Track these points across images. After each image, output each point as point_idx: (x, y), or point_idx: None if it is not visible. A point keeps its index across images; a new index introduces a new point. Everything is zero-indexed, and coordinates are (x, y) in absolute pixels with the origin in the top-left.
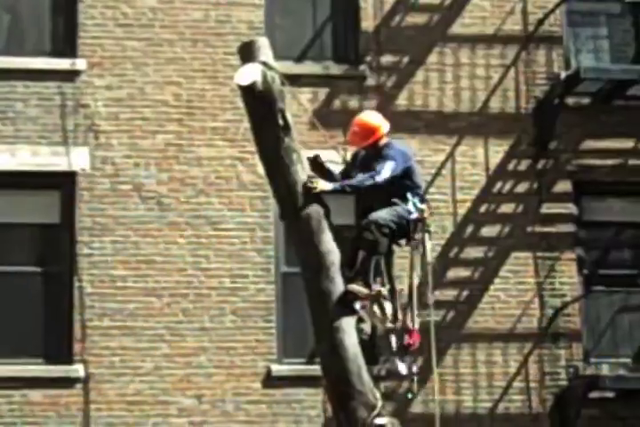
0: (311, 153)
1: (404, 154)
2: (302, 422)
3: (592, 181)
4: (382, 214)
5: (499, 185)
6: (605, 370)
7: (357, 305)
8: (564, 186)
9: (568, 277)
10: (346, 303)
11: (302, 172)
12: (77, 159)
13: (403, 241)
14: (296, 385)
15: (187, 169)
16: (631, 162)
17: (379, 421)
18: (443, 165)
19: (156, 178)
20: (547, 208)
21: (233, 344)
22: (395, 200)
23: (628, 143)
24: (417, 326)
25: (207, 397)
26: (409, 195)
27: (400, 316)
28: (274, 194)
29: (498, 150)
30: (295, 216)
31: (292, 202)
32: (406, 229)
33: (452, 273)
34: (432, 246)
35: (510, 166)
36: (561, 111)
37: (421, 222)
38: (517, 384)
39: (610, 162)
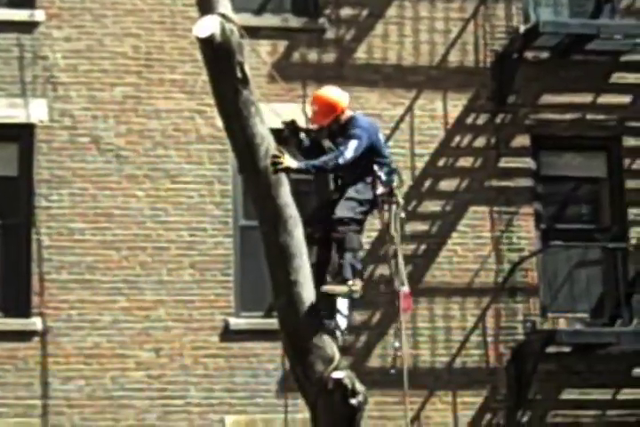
0: (288, 118)
1: (369, 129)
2: (260, 376)
3: (550, 136)
4: (342, 211)
5: (457, 139)
6: (562, 325)
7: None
8: (522, 140)
9: (526, 231)
10: (325, 303)
11: (261, 125)
12: (35, 111)
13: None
14: (254, 339)
15: (145, 122)
16: (589, 116)
17: (336, 374)
18: (401, 118)
19: (115, 130)
20: (505, 162)
21: (191, 298)
22: (361, 174)
23: (587, 98)
24: (407, 288)
25: (165, 350)
26: (375, 168)
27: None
28: (232, 147)
29: (456, 104)
30: (253, 169)
31: (250, 155)
32: (373, 207)
33: (410, 227)
34: (401, 218)
35: (469, 120)
36: (520, 65)
37: (390, 195)
38: (474, 338)
39: (568, 116)
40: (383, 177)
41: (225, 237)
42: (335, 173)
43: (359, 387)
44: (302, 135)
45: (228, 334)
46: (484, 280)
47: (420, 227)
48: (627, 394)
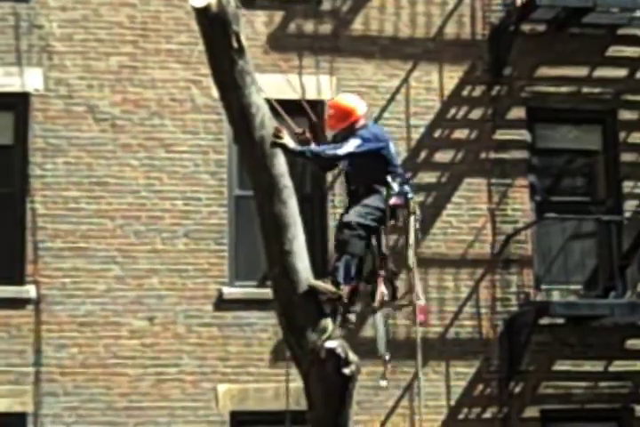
0: (299, 129)
1: (376, 135)
2: (253, 345)
3: (546, 108)
4: (352, 216)
5: (453, 111)
6: (556, 296)
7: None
8: (517, 113)
9: (520, 203)
10: (310, 296)
11: (256, 95)
12: (31, 80)
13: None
14: (247, 308)
15: (141, 91)
16: (585, 90)
17: (329, 344)
18: (397, 90)
19: (110, 100)
20: (500, 135)
21: (185, 267)
22: (375, 186)
23: (583, 71)
24: (423, 301)
25: (159, 319)
26: (389, 178)
27: (400, 295)
28: (227, 117)
29: (452, 76)
30: (248, 139)
31: (245, 125)
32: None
33: None
34: (416, 230)
35: (465, 92)
36: (516, 38)
37: (404, 206)
38: (468, 310)
39: (564, 89)
40: (396, 188)
41: (219, 206)
42: (330, 163)
43: (352, 357)
44: (313, 145)
45: (222, 304)
46: (479, 252)
47: (416, 198)
48: (619, 366)
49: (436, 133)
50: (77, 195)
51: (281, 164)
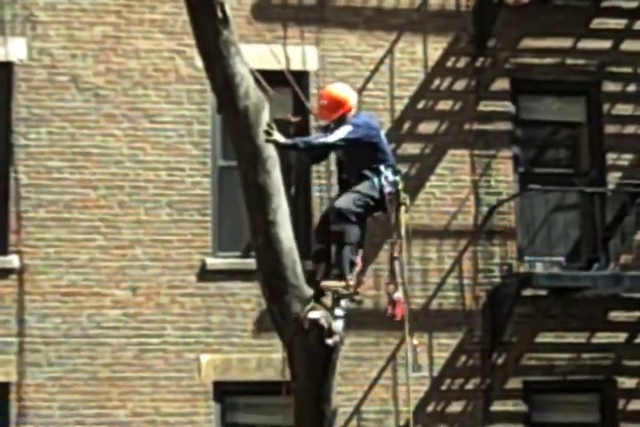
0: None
1: (367, 123)
2: (236, 316)
3: (530, 80)
4: (343, 203)
5: (437, 82)
6: (539, 268)
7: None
8: (501, 84)
9: (504, 175)
10: (319, 297)
11: (241, 65)
12: (14, 50)
13: (376, 214)
14: (231, 279)
15: (124, 61)
16: (569, 61)
17: (312, 315)
18: (381, 61)
19: (94, 70)
20: (484, 106)
21: (168, 237)
22: (367, 174)
23: (567, 42)
24: (400, 295)
25: (142, 289)
26: (382, 167)
27: (390, 288)
28: (212, 87)
29: (437, 47)
30: (233, 109)
31: (229, 95)
32: (381, 203)
33: None
34: (407, 219)
35: (449, 64)
36: (500, 9)
37: (395, 195)
38: (451, 281)
39: (548, 61)
40: (390, 177)
41: (203, 177)
42: (322, 152)
43: (335, 327)
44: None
45: (205, 274)
46: (462, 223)
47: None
48: (601, 338)
49: (420, 105)
50: (61, 165)
51: None
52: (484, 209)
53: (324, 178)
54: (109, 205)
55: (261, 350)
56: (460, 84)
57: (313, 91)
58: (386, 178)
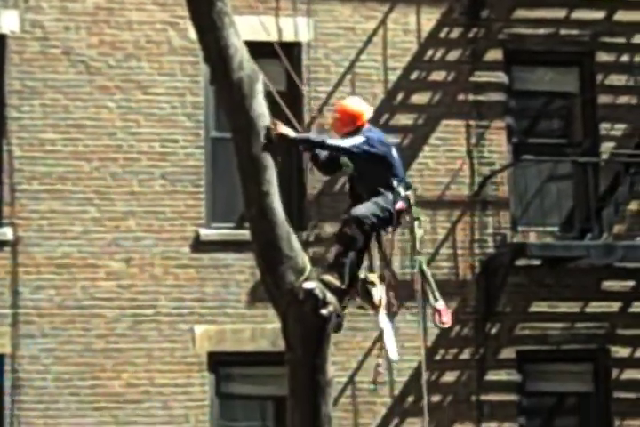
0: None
1: (379, 140)
2: (230, 287)
3: (523, 50)
4: (362, 210)
5: (430, 53)
6: (532, 238)
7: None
8: (495, 55)
9: (497, 145)
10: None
11: (234, 36)
12: (7, 22)
13: (390, 228)
14: (224, 250)
15: (117, 33)
16: (563, 32)
17: (307, 285)
18: (375, 32)
19: (87, 42)
20: (477, 77)
21: (162, 209)
22: (380, 189)
23: (560, 13)
24: (442, 305)
25: (136, 260)
26: (395, 183)
27: (394, 301)
28: (205, 58)
29: (430, 18)
30: (226, 80)
31: (223, 66)
32: (392, 218)
33: None
34: (421, 235)
35: (442, 34)
36: None
37: (408, 211)
38: (445, 251)
39: (541, 31)
40: (402, 192)
41: (196, 148)
42: (326, 151)
43: (330, 298)
44: (317, 150)
45: (199, 245)
46: (456, 193)
47: (393, 140)
48: (595, 307)
49: (414, 75)
50: (54, 137)
51: (260, 104)
52: (478, 179)
53: None
54: (103, 177)
55: (255, 320)
56: (453, 55)
57: (305, 62)
58: (398, 193)
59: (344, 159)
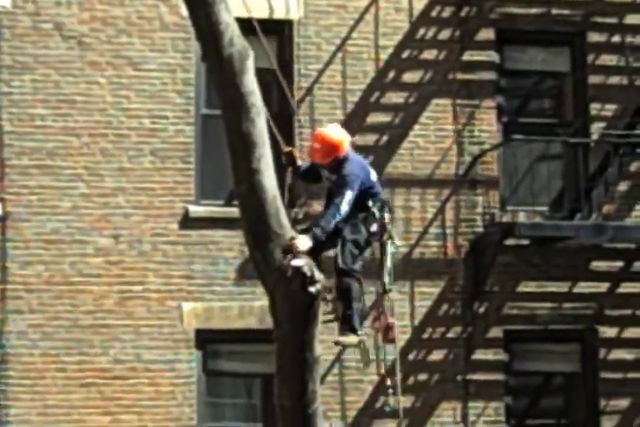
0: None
1: (359, 174)
2: (219, 264)
3: (515, 30)
4: (344, 261)
5: (421, 31)
6: (521, 218)
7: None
8: (486, 34)
9: (487, 124)
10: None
11: (225, 12)
12: None
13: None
14: (213, 227)
15: (109, 9)
16: (554, 11)
17: (296, 262)
18: (366, 10)
19: (78, 17)
20: (469, 55)
21: (151, 185)
22: (356, 212)
23: None
24: (393, 320)
25: (124, 237)
26: (370, 203)
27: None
28: (196, 35)
29: None
30: (217, 57)
31: (214, 42)
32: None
33: (372, 118)
34: (392, 253)
35: (433, 13)
36: None
37: (382, 232)
38: (434, 230)
39: (533, 11)
40: (377, 214)
41: (186, 124)
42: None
43: (318, 275)
44: (299, 162)
45: (188, 222)
46: (445, 172)
47: (383, 118)
48: (583, 287)
49: (405, 54)
50: (44, 112)
51: (250, 81)
52: (468, 159)
53: (306, 127)
54: (92, 153)
55: (243, 298)
56: (444, 34)
57: (296, 40)
58: (373, 214)
59: (325, 174)
